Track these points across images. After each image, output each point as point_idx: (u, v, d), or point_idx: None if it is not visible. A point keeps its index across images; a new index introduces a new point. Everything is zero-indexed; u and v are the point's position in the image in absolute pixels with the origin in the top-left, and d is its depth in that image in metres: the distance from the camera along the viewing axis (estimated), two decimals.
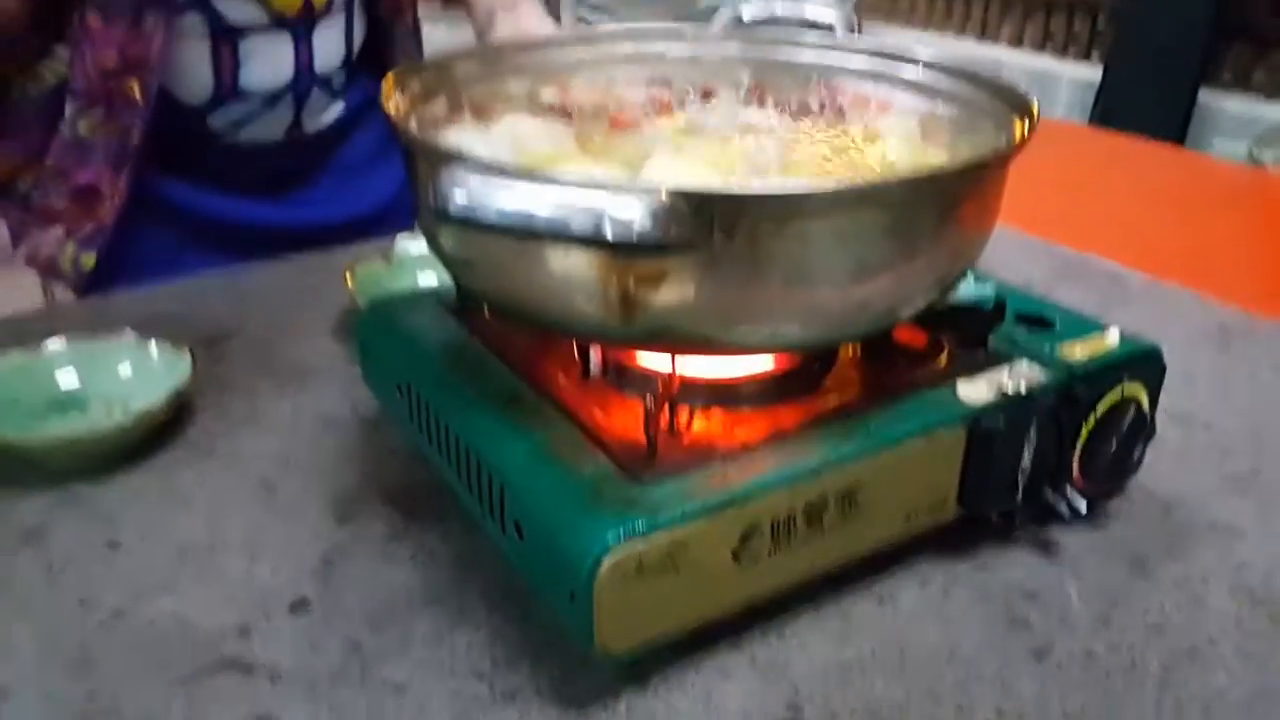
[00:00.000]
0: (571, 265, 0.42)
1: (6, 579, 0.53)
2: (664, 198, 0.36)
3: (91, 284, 0.91)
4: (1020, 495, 0.52)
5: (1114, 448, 0.54)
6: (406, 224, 1.13)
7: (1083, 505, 0.53)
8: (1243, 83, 2.67)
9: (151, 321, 0.75)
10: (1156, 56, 2.65)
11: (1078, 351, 0.54)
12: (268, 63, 0.91)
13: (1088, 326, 0.57)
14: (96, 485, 0.60)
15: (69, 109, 0.84)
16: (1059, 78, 2.92)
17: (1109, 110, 2.68)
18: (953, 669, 0.46)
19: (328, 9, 0.93)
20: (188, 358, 0.66)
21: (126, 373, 0.68)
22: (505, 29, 0.98)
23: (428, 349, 0.56)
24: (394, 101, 0.50)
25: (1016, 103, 0.52)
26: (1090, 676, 0.46)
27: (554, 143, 0.48)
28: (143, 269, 0.92)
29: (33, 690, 0.45)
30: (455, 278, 0.52)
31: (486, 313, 0.58)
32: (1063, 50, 3.04)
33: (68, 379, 0.67)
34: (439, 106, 0.56)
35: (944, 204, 0.44)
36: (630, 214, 0.35)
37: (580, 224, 0.35)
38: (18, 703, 0.45)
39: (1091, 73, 2.85)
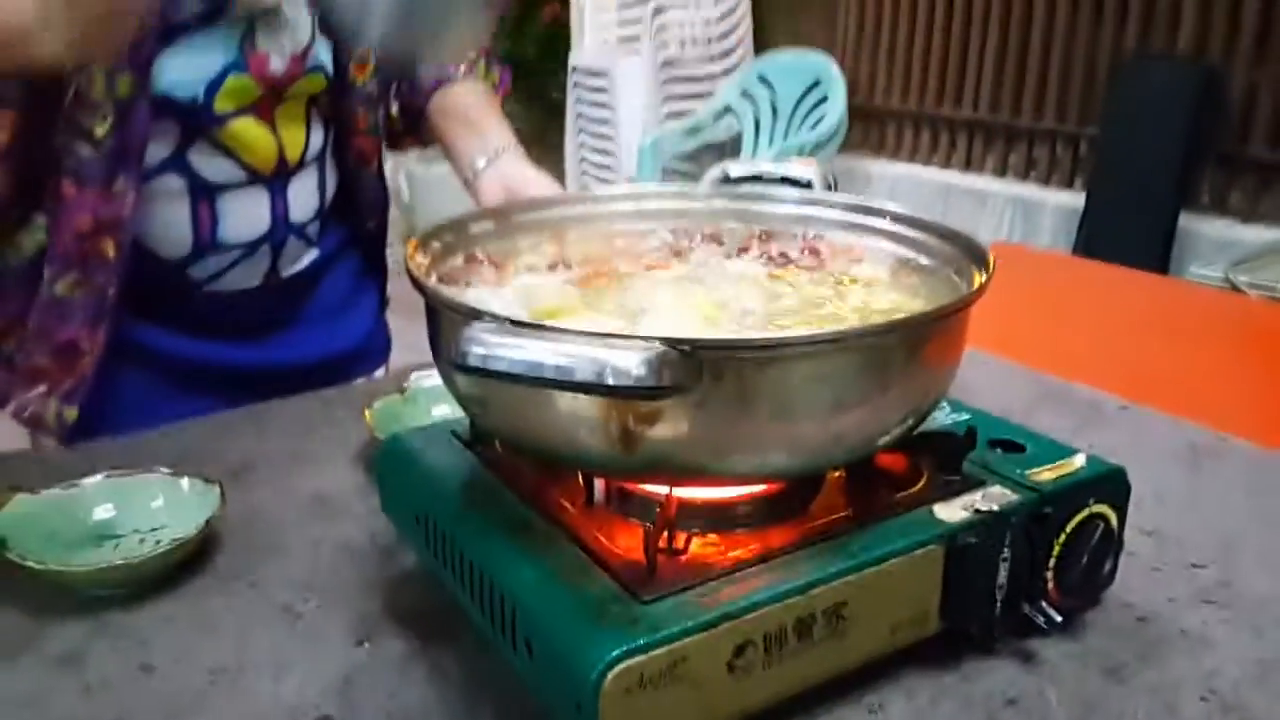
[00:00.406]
0: (577, 407, 0.47)
1: (46, 700, 0.56)
2: (658, 347, 0.41)
3: (75, 434, 0.94)
4: (998, 609, 0.56)
5: (1085, 562, 0.58)
6: (380, 360, 1.18)
7: (1058, 617, 0.57)
8: (1219, 206, 2.78)
9: (181, 455, 0.80)
10: (1136, 183, 2.77)
11: (1046, 474, 0.59)
12: (245, 216, 0.95)
13: (1057, 451, 0.62)
14: (130, 612, 0.64)
15: (47, 272, 0.88)
16: (1043, 205, 3.04)
17: (1093, 235, 2.79)
18: None
19: (300, 164, 0.98)
20: (217, 490, 0.71)
21: (159, 505, 0.72)
22: (491, 178, 1.00)
23: (443, 481, 0.61)
24: (417, 261, 0.56)
25: (975, 252, 0.58)
26: None
27: (560, 296, 0.54)
28: (125, 414, 0.94)
29: None
30: (470, 416, 0.57)
31: (498, 446, 0.62)
32: (1046, 179, 3.18)
33: (103, 512, 0.71)
34: (457, 260, 0.62)
35: (910, 347, 0.49)
36: (628, 363, 0.40)
37: (584, 373, 0.40)
38: None
39: (1074, 199, 2.97)
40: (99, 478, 0.72)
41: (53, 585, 0.64)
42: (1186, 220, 2.73)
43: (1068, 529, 0.58)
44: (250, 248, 0.97)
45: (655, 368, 0.41)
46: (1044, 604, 0.57)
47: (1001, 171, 3.29)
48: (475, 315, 0.44)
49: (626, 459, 0.48)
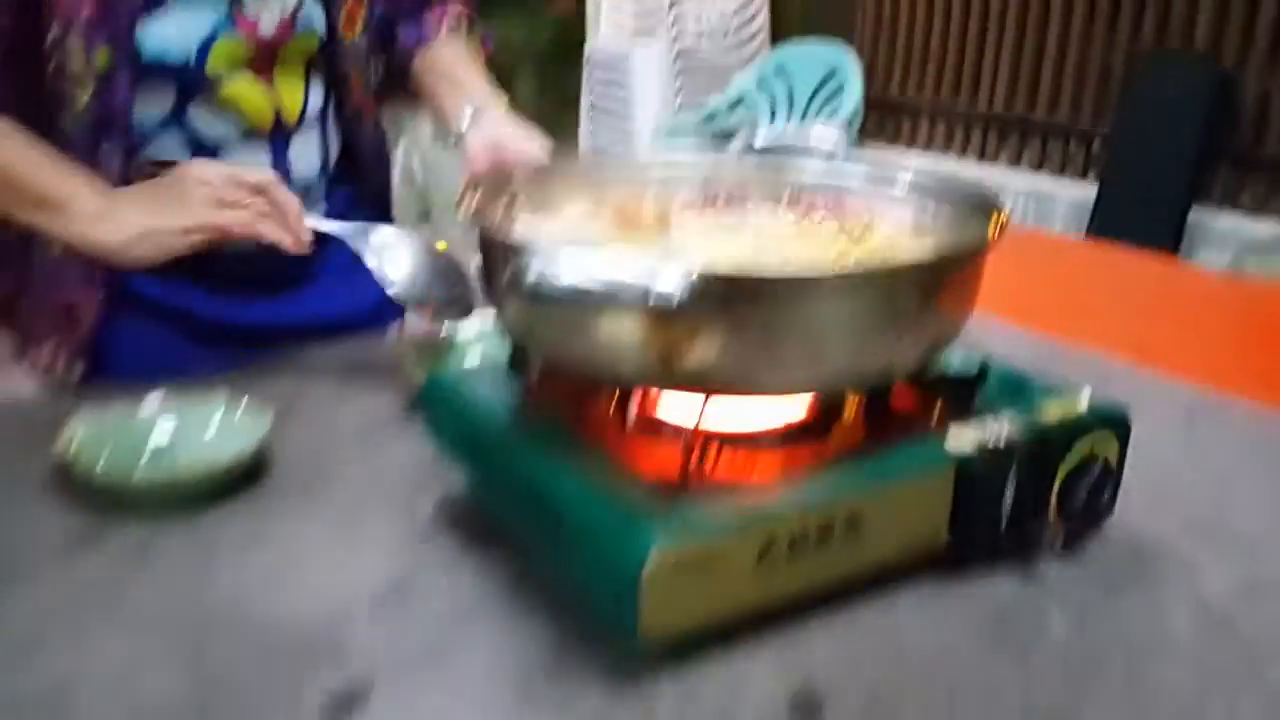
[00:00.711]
0: (619, 325, 0.51)
1: (122, 586, 0.61)
2: (694, 274, 0.46)
3: (91, 383, 0.97)
4: (1003, 530, 0.60)
5: (1085, 492, 0.62)
6: (392, 318, 1.19)
7: (1059, 543, 0.61)
8: (1231, 201, 2.81)
9: (232, 391, 0.84)
10: (1149, 178, 2.80)
11: (1052, 410, 0.63)
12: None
13: (1062, 391, 0.66)
14: (193, 519, 0.68)
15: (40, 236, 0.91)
16: (1055, 197, 3.07)
17: (1104, 228, 2.82)
18: (944, 661, 0.54)
19: (299, 123, 1.00)
20: (270, 415, 0.75)
21: (212, 433, 0.76)
22: (475, 138, 1.00)
23: (490, 407, 0.65)
24: (467, 202, 0.61)
25: (989, 204, 0.62)
26: (1063, 673, 0.53)
27: (601, 233, 0.58)
28: (137, 371, 0.95)
29: (160, 673, 0.53)
30: (520, 342, 0.62)
31: (535, 379, 0.67)
32: (1059, 171, 3.21)
33: (161, 435, 0.76)
34: (500, 207, 0.67)
35: (925, 287, 0.54)
36: (670, 286, 0.45)
37: (630, 294, 0.45)
38: (150, 681, 0.53)
39: (1087, 193, 3.00)
40: (158, 399, 0.77)
41: (120, 497, 0.69)
42: (1197, 215, 2.77)
43: (1069, 460, 0.62)
44: None
45: (689, 290, 0.45)
46: (1046, 529, 0.62)
47: (1015, 165, 3.32)
48: (531, 245, 0.49)
49: (665, 374, 0.53)
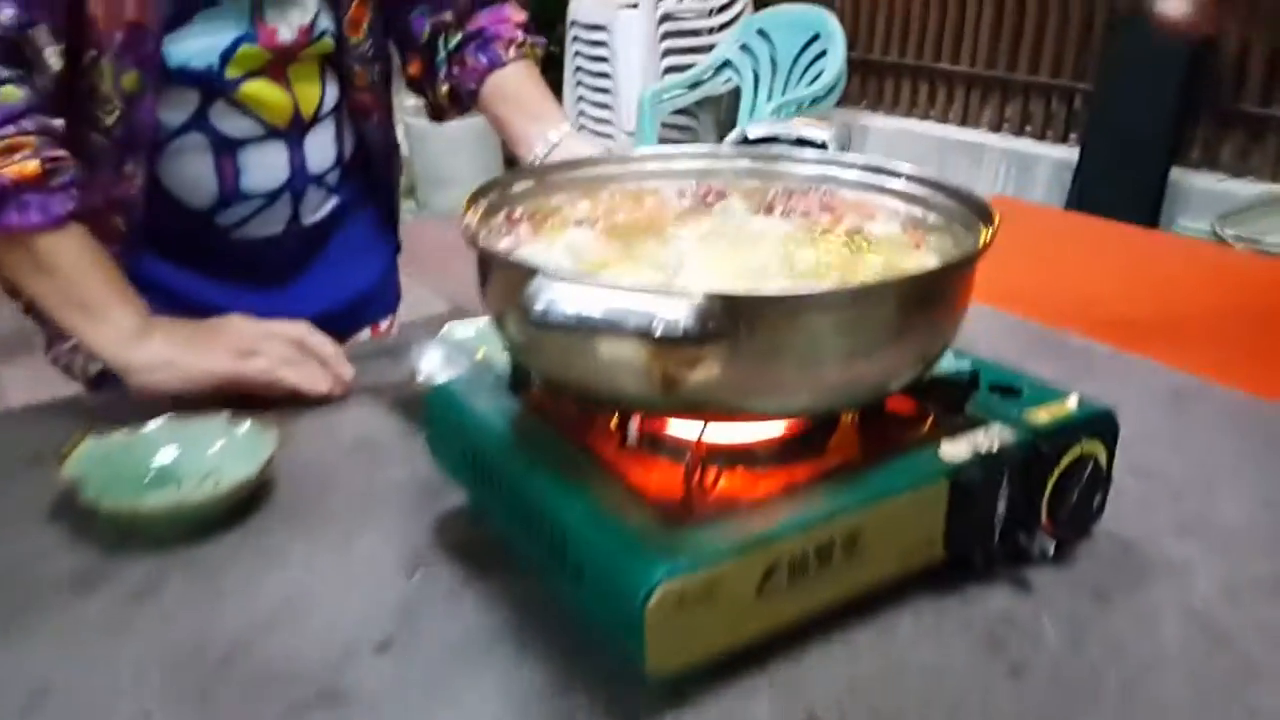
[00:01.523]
0: (623, 352, 0.52)
1: (128, 626, 0.61)
2: (702, 301, 0.46)
3: (100, 383, 1.02)
4: (997, 538, 0.62)
5: (1076, 497, 0.64)
6: (391, 307, 1.24)
7: (1051, 547, 0.63)
8: (1211, 161, 2.82)
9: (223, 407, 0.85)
10: (1129, 138, 2.81)
11: (1042, 415, 0.64)
12: (265, 167, 1.01)
13: (1051, 394, 0.67)
14: (198, 547, 0.69)
15: None
16: (1038, 158, 3.08)
17: (1086, 188, 2.83)
18: (943, 683, 0.55)
19: (315, 118, 1.04)
20: (274, 432, 0.76)
21: (217, 449, 0.77)
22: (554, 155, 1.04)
23: (491, 421, 0.66)
24: (470, 219, 0.61)
25: (981, 209, 0.63)
26: (1059, 689, 0.55)
27: (602, 252, 0.59)
28: None
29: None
30: (521, 361, 0.63)
31: (538, 392, 0.68)
32: (1041, 134, 3.21)
33: (166, 455, 0.77)
34: (499, 219, 0.67)
35: (922, 300, 0.55)
36: (676, 314, 0.45)
37: (635, 323, 0.45)
38: None
39: (1069, 153, 3.01)
40: (162, 421, 0.78)
41: (125, 524, 0.70)
42: (1178, 174, 2.78)
43: (1061, 466, 0.63)
44: (271, 197, 1.03)
45: (700, 319, 0.46)
46: (1038, 534, 0.63)
47: (997, 126, 3.32)
48: (539, 272, 0.49)
49: (667, 398, 0.53)
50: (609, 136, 3.97)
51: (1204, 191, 2.71)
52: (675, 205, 0.71)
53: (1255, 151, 2.77)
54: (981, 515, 0.61)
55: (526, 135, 1.07)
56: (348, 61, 1.06)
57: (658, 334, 0.45)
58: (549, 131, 1.05)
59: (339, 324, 1.06)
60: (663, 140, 3.72)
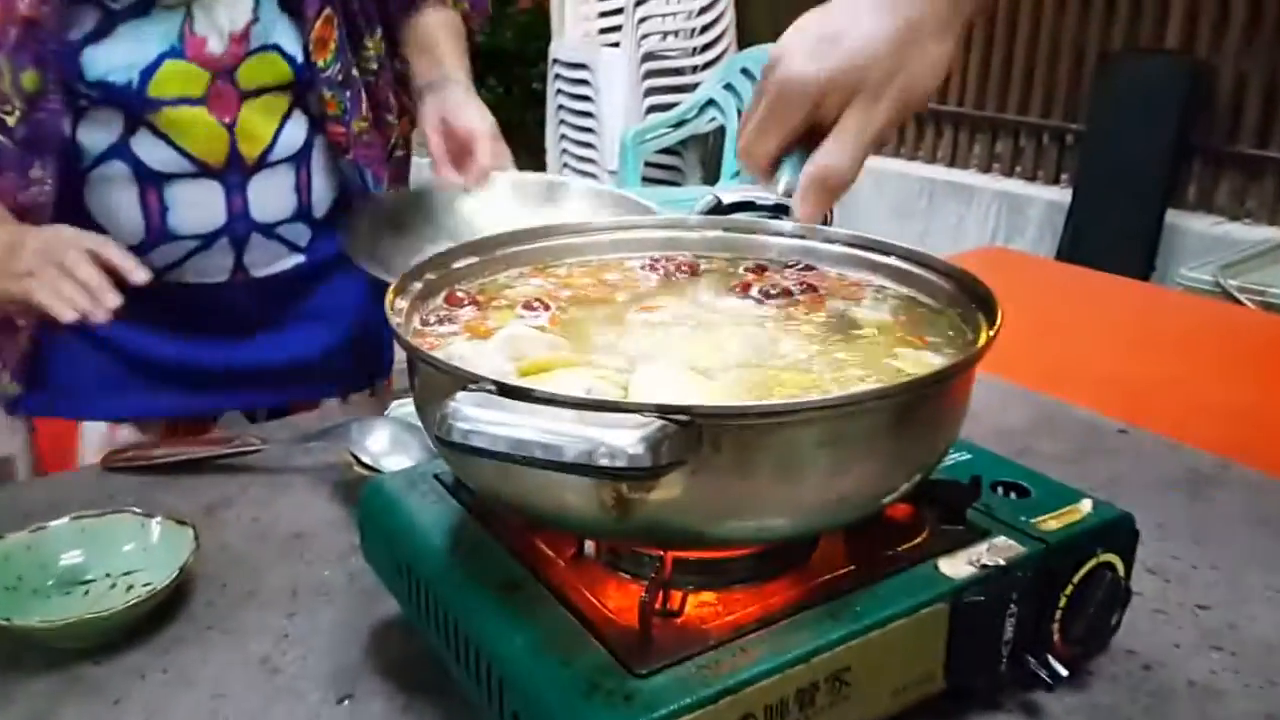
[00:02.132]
0: (566, 484, 0.44)
1: None
2: (655, 422, 0.39)
3: (28, 407, 0.98)
4: (1004, 665, 0.54)
5: (1092, 613, 0.56)
6: (379, 372, 1.16)
7: (1063, 671, 0.55)
8: (1206, 203, 2.78)
9: (153, 488, 0.77)
10: (1123, 178, 2.76)
11: (1052, 522, 0.57)
12: (195, 207, 0.95)
13: (1062, 495, 0.60)
14: (100, 665, 0.61)
15: None
16: (1030, 200, 3.03)
17: (1079, 231, 2.78)
18: None
19: (262, 163, 0.97)
20: (190, 534, 0.68)
21: (130, 548, 0.69)
22: (431, 104, 1.03)
23: (428, 531, 0.58)
24: (398, 308, 0.54)
25: (979, 294, 0.56)
26: None
27: (547, 348, 0.51)
28: (85, 399, 0.98)
29: None
30: (455, 473, 0.55)
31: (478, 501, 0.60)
32: (1032, 173, 3.16)
33: (72, 557, 0.69)
34: (438, 300, 0.60)
35: (916, 407, 0.47)
36: (623, 442, 0.38)
37: (575, 453, 0.37)
38: None
39: (1061, 195, 2.96)
40: (65, 521, 0.70)
41: (18, 639, 0.62)
42: (1174, 216, 2.73)
43: (1074, 580, 0.56)
44: (205, 240, 0.97)
45: (652, 445, 0.38)
46: (1049, 657, 0.55)
47: (987, 166, 3.27)
48: (461, 383, 0.42)
49: (619, 526, 0.46)
50: (592, 175, 3.92)
51: (1201, 234, 2.65)
52: (637, 284, 0.63)
53: (1252, 193, 2.72)
54: (987, 640, 0.53)
55: (419, 75, 1.05)
56: (317, 88, 0.99)
57: (600, 465, 0.38)
58: (436, 73, 1.03)
59: (315, 388, 1.00)
60: (646, 179, 3.67)
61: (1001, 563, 0.53)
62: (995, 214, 3.04)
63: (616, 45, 3.83)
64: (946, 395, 0.49)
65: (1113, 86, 2.83)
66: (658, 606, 0.49)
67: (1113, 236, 2.61)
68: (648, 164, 3.68)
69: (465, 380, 0.43)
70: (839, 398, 0.44)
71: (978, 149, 3.29)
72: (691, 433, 0.41)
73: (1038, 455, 0.85)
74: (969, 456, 0.64)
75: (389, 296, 0.54)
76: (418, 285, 0.58)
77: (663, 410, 0.40)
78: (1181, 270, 2.03)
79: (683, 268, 0.66)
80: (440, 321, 0.58)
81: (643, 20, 3.74)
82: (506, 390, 0.42)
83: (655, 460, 0.38)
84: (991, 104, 3.23)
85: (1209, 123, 2.72)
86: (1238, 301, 1.86)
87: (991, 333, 0.50)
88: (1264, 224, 2.63)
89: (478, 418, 0.39)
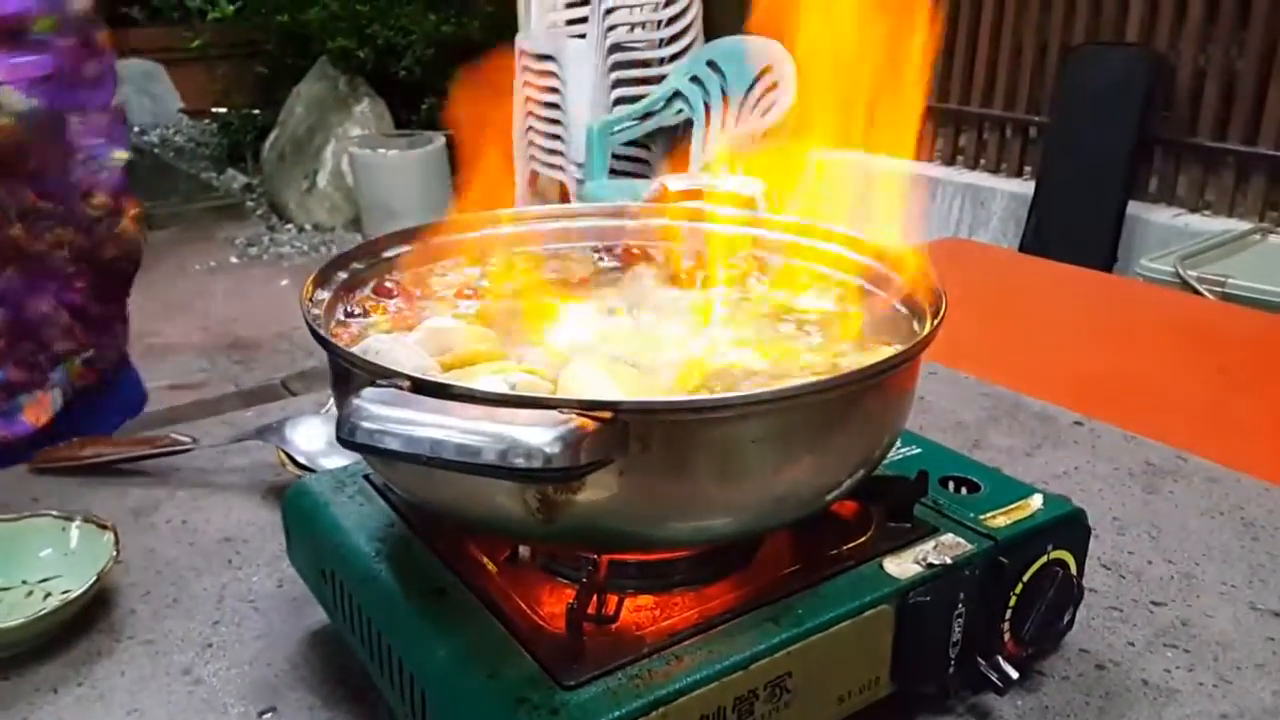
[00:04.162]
0: (484, 486, 0.42)
1: None
2: (574, 419, 0.36)
3: None
4: (952, 667, 0.52)
5: (1043, 612, 0.54)
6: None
7: (1014, 673, 0.53)
8: (1168, 194, 2.79)
9: (83, 488, 0.74)
10: (1085, 170, 2.77)
11: (1001, 518, 0.55)
12: None
13: (1012, 490, 0.58)
14: (10, 680, 0.58)
15: None
16: (994, 192, 3.03)
17: (1042, 223, 2.78)
18: None
19: None
20: (110, 538, 0.65)
21: (48, 553, 0.66)
22: None
23: (353, 534, 0.55)
24: (316, 299, 0.51)
25: (924, 280, 0.54)
26: None
27: (472, 340, 0.48)
28: None
29: None
30: (377, 474, 0.52)
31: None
32: (996, 166, 3.17)
33: None
34: (366, 290, 0.57)
35: (858, 400, 0.45)
36: (538, 440, 0.35)
37: (489, 455, 0.35)
38: None
39: (1024, 187, 2.96)
40: None
41: None
42: (1136, 208, 2.74)
43: (1025, 578, 0.54)
44: None
45: (571, 444, 0.36)
46: (999, 659, 0.54)
47: (951, 159, 3.27)
48: (370, 378, 0.39)
49: (546, 529, 0.43)
50: (559, 168, 3.88)
51: (1162, 226, 2.66)
52: (576, 274, 0.61)
53: (1211, 185, 2.74)
54: (934, 642, 0.52)
55: None
56: None
57: (515, 466, 0.35)
58: None
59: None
60: (614, 171, 3.64)
61: (948, 561, 0.52)
62: (960, 206, 3.04)
63: (583, 37, 3.80)
64: (889, 387, 0.47)
65: (1075, 80, 2.84)
66: (591, 611, 0.47)
67: (1075, 228, 2.62)
68: (615, 156, 3.65)
69: (377, 375, 0.40)
70: (774, 391, 0.42)
71: (941, 142, 3.29)
72: (617, 430, 0.39)
73: (992, 448, 0.84)
74: (918, 451, 0.62)
75: (307, 286, 0.51)
76: (342, 275, 0.55)
77: (585, 406, 0.38)
78: (1142, 261, 2.03)
79: (626, 256, 0.63)
80: (366, 314, 0.55)
81: (609, 12, 3.71)
82: (420, 386, 0.40)
83: (574, 460, 0.36)
84: (955, 97, 3.23)
85: (1169, 115, 2.73)
86: (1197, 292, 1.86)
87: (936, 322, 0.48)
88: (1223, 215, 2.65)
89: (385, 416, 0.36)
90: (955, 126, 3.27)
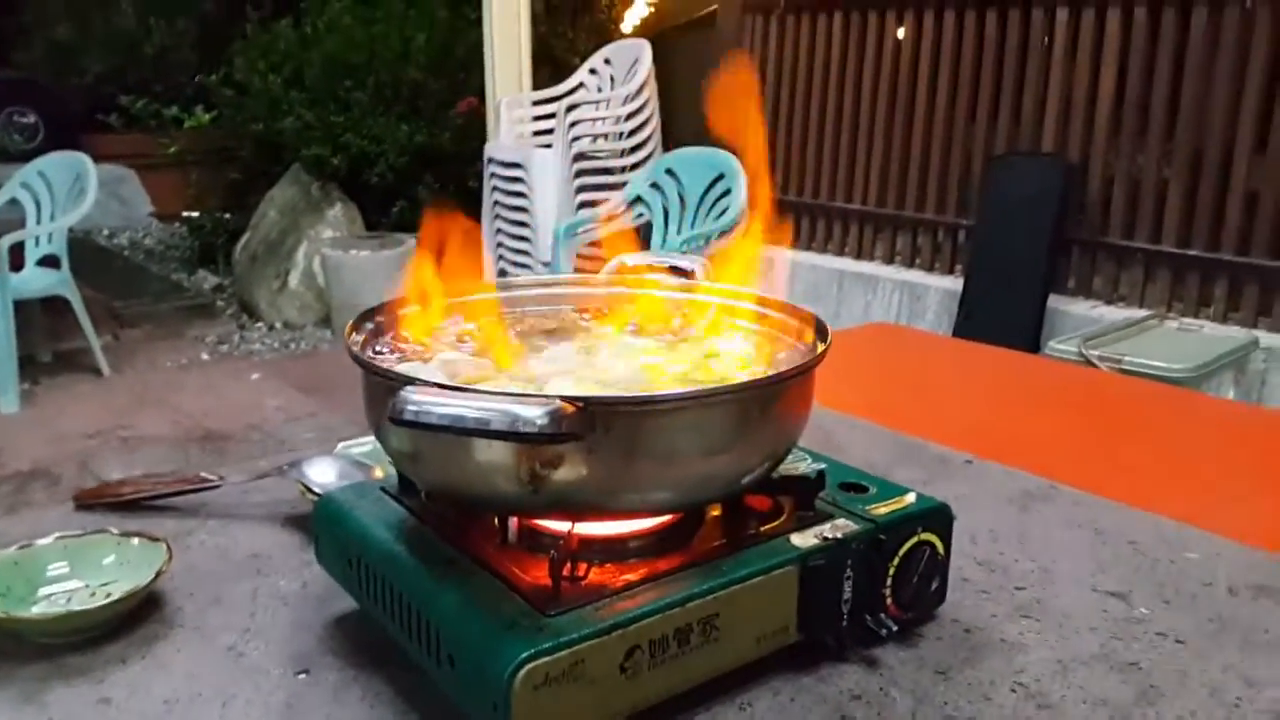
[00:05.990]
0: (493, 455, 0.57)
1: None
2: (557, 403, 0.52)
3: None
4: (845, 620, 0.67)
5: (916, 581, 0.70)
6: None
7: (894, 626, 0.69)
8: (1084, 289, 3.05)
9: (124, 521, 0.87)
10: (1008, 267, 3.02)
11: (882, 509, 0.71)
12: None
13: (893, 490, 0.74)
14: (84, 655, 0.70)
15: None
16: (928, 288, 3.27)
17: (971, 314, 3.02)
18: None
19: None
20: (164, 547, 0.78)
21: (109, 561, 0.79)
22: None
23: (375, 529, 0.70)
24: (354, 340, 0.67)
25: (820, 329, 0.71)
26: None
27: (475, 369, 0.65)
28: None
29: None
30: (401, 470, 0.67)
31: (423, 498, 0.72)
32: (930, 264, 3.43)
33: (56, 570, 0.78)
34: (386, 338, 0.73)
35: (762, 403, 0.62)
36: (533, 414, 0.51)
37: (498, 423, 0.51)
38: None
39: (955, 284, 3.21)
40: (50, 540, 0.79)
41: (9, 634, 0.71)
42: (1056, 301, 2.99)
43: (900, 553, 0.70)
44: None
45: (555, 418, 0.52)
46: (883, 616, 0.69)
47: (890, 258, 3.53)
48: (409, 380, 0.55)
49: (534, 499, 0.59)
50: (527, 267, 4.09)
51: (1080, 317, 2.91)
52: (553, 326, 0.78)
53: (1123, 279, 3.00)
54: (829, 599, 0.67)
55: None
56: None
57: (518, 431, 0.51)
58: None
59: None
60: (578, 270, 3.85)
61: (840, 536, 0.67)
62: (898, 300, 3.28)
63: (549, 146, 4.05)
64: (785, 395, 0.64)
65: (997, 186, 3.12)
66: (565, 574, 0.62)
67: (1001, 320, 2.85)
68: (579, 255, 3.86)
69: (415, 382, 0.56)
70: (696, 390, 0.58)
71: (880, 244, 3.55)
72: (587, 415, 0.55)
73: (894, 479, 1.00)
74: (824, 466, 0.78)
75: (347, 331, 0.67)
76: (369, 325, 0.71)
77: (564, 399, 0.54)
78: (1050, 343, 2.25)
79: (591, 313, 0.80)
80: (391, 352, 0.71)
81: (574, 124, 3.97)
82: (445, 388, 0.56)
83: (557, 429, 0.52)
84: (892, 203, 3.51)
85: (1083, 218, 3.01)
86: (1096, 367, 2.07)
87: (822, 349, 0.65)
88: (1135, 306, 2.90)
89: (423, 400, 0.52)
90: (893, 229, 3.53)
